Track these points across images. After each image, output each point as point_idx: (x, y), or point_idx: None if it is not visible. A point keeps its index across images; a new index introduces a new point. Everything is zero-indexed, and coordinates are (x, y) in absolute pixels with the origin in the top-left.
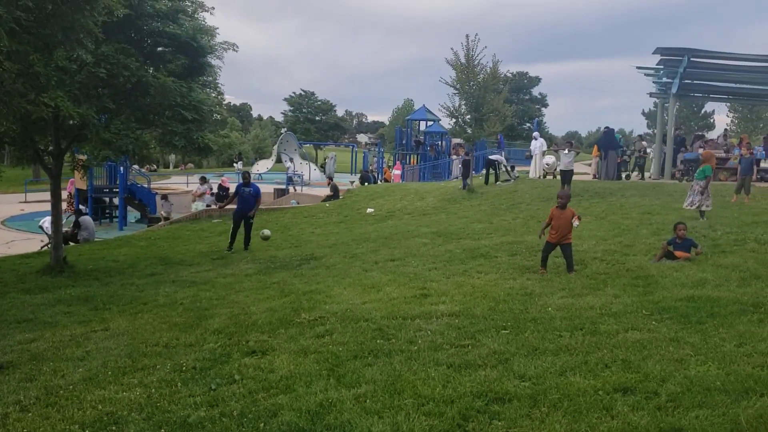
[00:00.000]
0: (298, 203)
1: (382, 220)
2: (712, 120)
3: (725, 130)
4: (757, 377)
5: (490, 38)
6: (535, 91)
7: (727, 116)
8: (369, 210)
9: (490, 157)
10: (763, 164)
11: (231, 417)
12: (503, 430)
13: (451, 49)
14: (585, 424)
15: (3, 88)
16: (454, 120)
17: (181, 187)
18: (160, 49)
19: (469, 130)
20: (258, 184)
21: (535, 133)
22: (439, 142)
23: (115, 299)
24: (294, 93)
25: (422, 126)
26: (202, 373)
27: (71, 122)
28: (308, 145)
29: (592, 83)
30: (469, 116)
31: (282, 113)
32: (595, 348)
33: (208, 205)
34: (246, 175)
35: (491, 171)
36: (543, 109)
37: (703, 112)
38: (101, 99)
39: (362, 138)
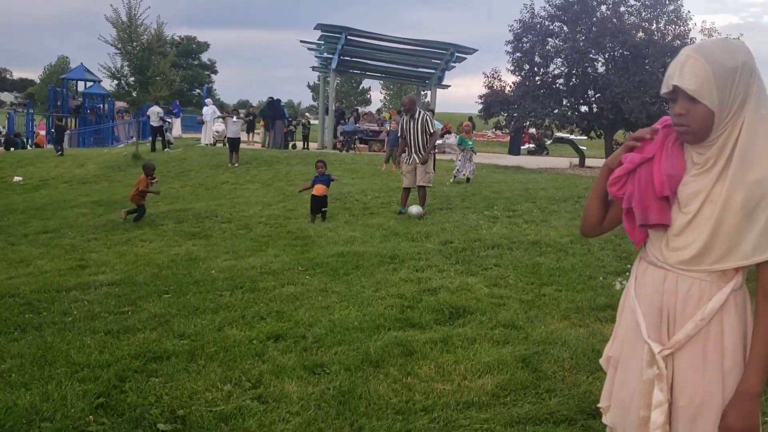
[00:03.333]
0: None
1: (33, 190)
2: (369, 96)
3: (381, 105)
4: (387, 315)
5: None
6: (204, 57)
7: (380, 93)
8: (17, 178)
9: (150, 116)
10: None
11: None
12: (160, 385)
13: (111, 5)
14: (238, 370)
15: None
16: (116, 82)
17: None
18: None
19: (134, 94)
20: None
21: (207, 100)
22: (101, 105)
23: None
24: None
25: (81, 87)
26: None
27: None
28: None
29: (264, 53)
30: (133, 78)
31: None
32: (252, 303)
33: None
34: None
35: (159, 138)
36: (213, 75)
37: (361, 87)
38: None
39: (7, 97)
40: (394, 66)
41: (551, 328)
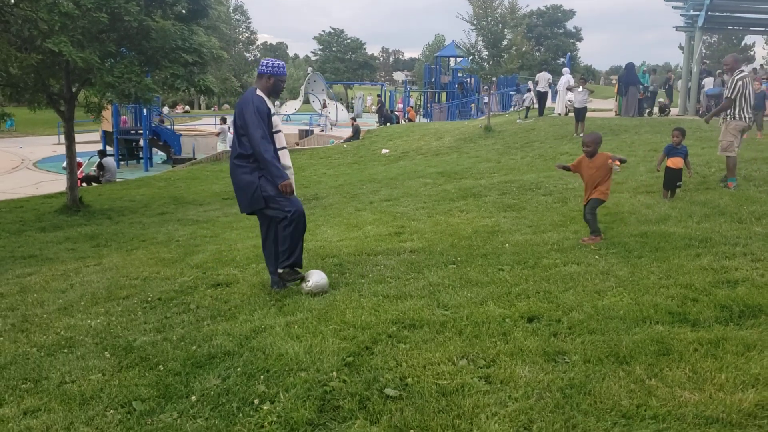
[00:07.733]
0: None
1: (394, 161)
2: (752, 53)
3: (761, 65)
4: (661, 306)
5: None
6: (570, 25)
7: (764, 48)
8: (384, 151)
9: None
10: None
11: (171, 341)
12: (404, 352)
13: None
14: (478, 347)
15: (10, 34)
16: (470, 57)
17: (209, 129)
18: None
19: (486, 67)
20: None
21: (565, 69)
22: (468, 80)
23: (118, 237)
24: (324, 31)
25: (452, 63)
26: (166, 303)
27: (78, 65)
28: (338, 84)
29: (634, 15)
30: (486, 53)
31: (312, 52)
32: (524, 280)
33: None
34: None
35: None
36: (577, 43)
37: (743, 44)
38: (104, 43)
39: (399, 76)
40: None
41: None
